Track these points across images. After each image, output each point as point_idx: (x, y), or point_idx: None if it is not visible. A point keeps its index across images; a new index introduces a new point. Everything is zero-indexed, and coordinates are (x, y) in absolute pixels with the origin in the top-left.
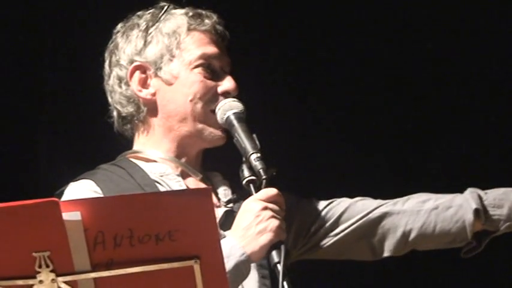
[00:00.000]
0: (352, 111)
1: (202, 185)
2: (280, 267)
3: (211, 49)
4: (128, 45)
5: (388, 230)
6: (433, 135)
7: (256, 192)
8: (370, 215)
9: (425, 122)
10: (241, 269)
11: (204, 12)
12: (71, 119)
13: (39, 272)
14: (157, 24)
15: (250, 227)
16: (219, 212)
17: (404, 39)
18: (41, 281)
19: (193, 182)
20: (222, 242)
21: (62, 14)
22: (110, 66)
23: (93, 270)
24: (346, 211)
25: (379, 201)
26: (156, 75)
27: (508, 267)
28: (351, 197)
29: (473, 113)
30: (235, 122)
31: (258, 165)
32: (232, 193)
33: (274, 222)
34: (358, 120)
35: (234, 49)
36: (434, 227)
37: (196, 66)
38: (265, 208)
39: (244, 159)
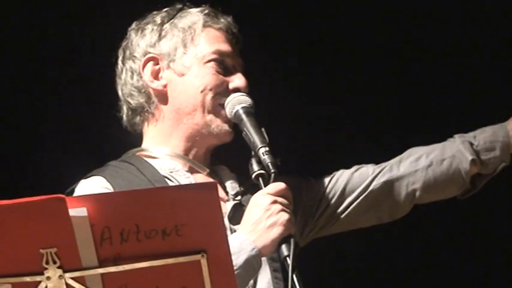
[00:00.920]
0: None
1: (211, 180)
2: (289, 260)
3: (225, 47)
4: (143, 38)
5: (392, 198)
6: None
7: (265, 186)
8: (371, 187)
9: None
10: (253, 264)
11: (219, 12)
12: (73, 116)
13: (46, 269)
14: (172, 20)
15: (260, 221)
16: (228, 206)
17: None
18: (48, 278)
19: (202, 178)
20: (232, 237)
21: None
22: (123, 61)
23: (100, 265)
24: (347, 186)
25: (373, 168)
26: (168, 67)
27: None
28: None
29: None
30: (243, 116)
31: (266, 159)
32: (240, 186)
33: (284, 216)
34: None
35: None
36: (433, 183)
37: (209, 61)
38: (275, 202)
39: (253, 153)
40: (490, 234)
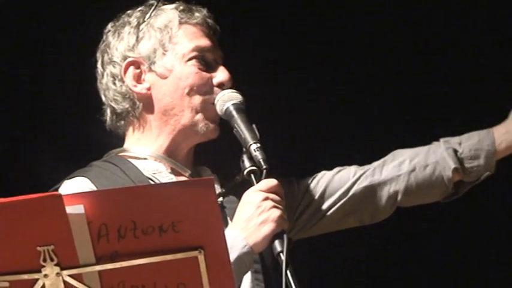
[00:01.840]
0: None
1: None
2: (283, 256)
3: (204, 41)
4: (120, 42)
5: (373, 203)
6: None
7: (257, 182)
8: (352, 192)
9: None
10: (244, 261)
11: (193, 6)
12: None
13: (43, 266)
14: (148, 20)
15: (252, 218)
16: None
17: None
18: (45, 275)
19: (185, 179)
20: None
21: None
22: (102, 65)
23: (98, 262)
24: (327, 188)
25: (355, 170)
26: (150, 70)
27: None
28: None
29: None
30: (234, 113)
31: (258, 155)
32: (221, 187)
33: (276, 212)
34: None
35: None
36: (416, 189)
37: (190, 59)
38: (266, 198)
39: (244, 149)
40: (490, 234)
